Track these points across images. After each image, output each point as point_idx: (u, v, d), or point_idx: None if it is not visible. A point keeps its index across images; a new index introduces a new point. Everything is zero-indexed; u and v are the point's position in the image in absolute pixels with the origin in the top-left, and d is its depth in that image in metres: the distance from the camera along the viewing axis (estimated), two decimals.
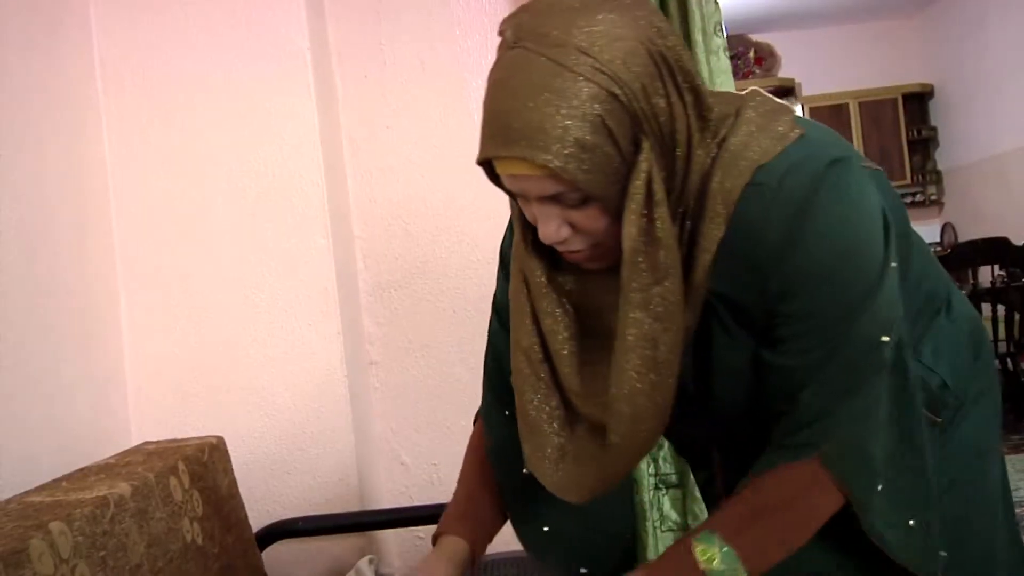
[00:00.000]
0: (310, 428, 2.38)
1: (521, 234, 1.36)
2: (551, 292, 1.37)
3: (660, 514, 2.52)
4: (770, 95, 1.38)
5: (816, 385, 1.30)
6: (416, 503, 2.62)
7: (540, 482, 1.40)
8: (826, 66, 8.65)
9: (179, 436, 2.17)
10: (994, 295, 6.44)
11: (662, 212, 1.23)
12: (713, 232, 1.28)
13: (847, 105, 9.14)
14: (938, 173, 9.40)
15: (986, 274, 6.63)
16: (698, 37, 2.45)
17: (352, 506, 2.38)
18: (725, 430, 1.48)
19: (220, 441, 2.15)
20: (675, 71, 1.21)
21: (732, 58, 2.51)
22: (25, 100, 2.00)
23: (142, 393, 2.35)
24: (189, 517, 1.86)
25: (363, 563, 1.97)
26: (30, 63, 2.03)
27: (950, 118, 9.15)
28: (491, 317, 1.61)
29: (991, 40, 8.10)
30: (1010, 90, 7.71)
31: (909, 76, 9.19)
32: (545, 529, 1.58)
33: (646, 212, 1.22)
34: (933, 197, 9.36)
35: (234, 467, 2.16)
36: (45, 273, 2.01)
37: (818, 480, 1.31)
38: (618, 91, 1.17)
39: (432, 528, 2.47)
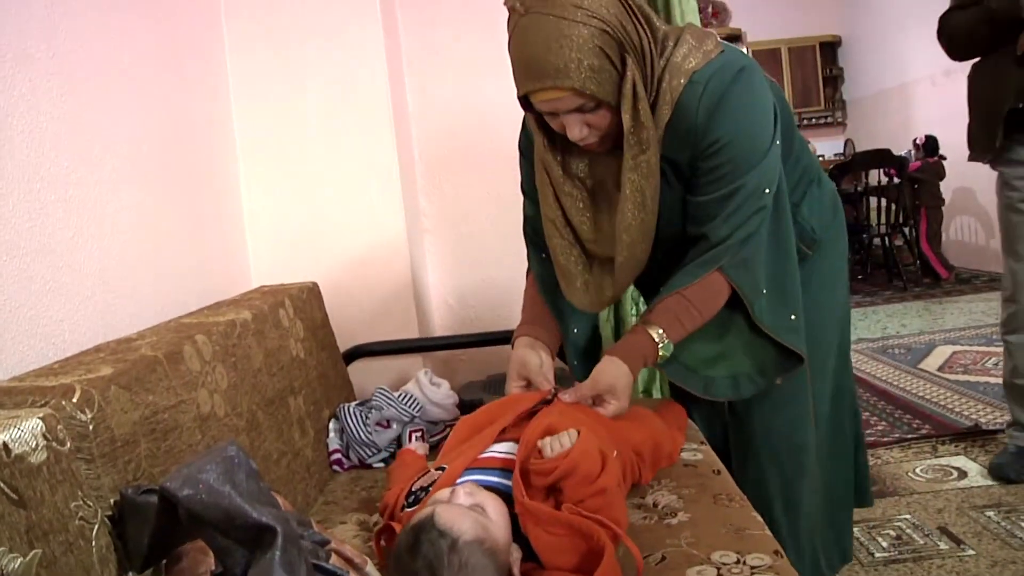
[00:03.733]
0: (381, 276, 2.36)
1: (541, 139, 1.49)
2: (566, 177, 1.51)
3: None
4: (701, 27, 1.54)
5: (720, 218, 1.44)
6: (459, 333, 2.62)
7: (573, 304, 1.59)
8: (764, 20, 8.51)
9: (285, 281, 2.16)
10: (879, 191, 6.56)
11: (644, 105, 1.36)
12: (663, 116, 1.41)
13: (779, 50, 9.12)
14: (843, 102, 9.36)
15: (874, 176, 6.61)
16: None
17: (412, 334, 2.38)
18: (663, 254, 1.55)
19: (315, 285, 2.13)
20: (635, 10, 1.35)
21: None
22: (166, 30, 1.93)
23: (258, 250, 2.33)
24: (294, 338, 1.85)
25: (421, 374, 1.97)
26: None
27: (853, 62, 9.09)
28: (524, 201, 1.72)
29: (881, 4, 7.99)
30: (894, 42, 7.62)
31: (824, 28, 9.11)
32: (575, 330, 1.70)
33: (634, 105, 1.35)
34: (839, 120, 9.34)
35: (326, 304, 2.15)
36: (184, 160, 1.97)
37: (720, 283, 1.47)
38: (607, 28, 1.30)
39: (472, 351, 2.51)
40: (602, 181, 1.50)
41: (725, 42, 1.47)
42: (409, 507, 1.29)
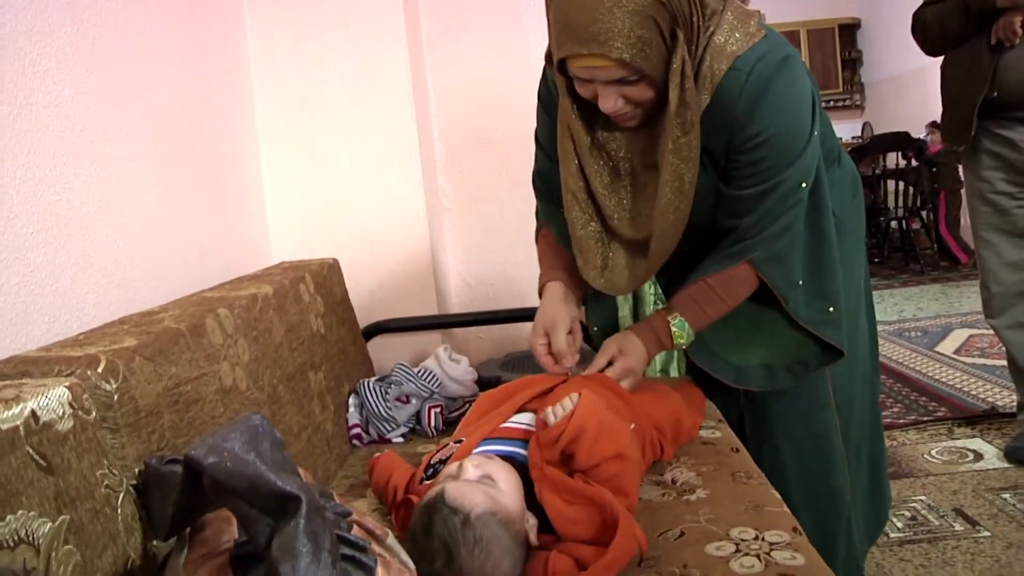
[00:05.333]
0: (401, 253, 2.35)
1: (569, 103, 1.38)
2: (593, 148, 1.42)
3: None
4: (741, 2, 1.42)
5: (755, 214, 1.39)
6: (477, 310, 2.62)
7: (587, 282, 1.50)
8: (784, 1, 8.41)
9: (305, 258, 2.15)
10: (896, 174, 6.51)
11: (690, 84, 1.27)
12: (702, 101, 1.32)
13: (798, 31, 8.98)
14: (862, 84, 9.26)
15: (892, 159, 6.54)
16: None
17: (431, 312, 2.37)
18: (688, 241, 1.50)
19: (335, 261, 2.13)
20: None
21: None
22: (188, 7, 1.92)
23: (279, 227, 2.32)
24: (314, 314, 1.85)
25: (440, 350, 1.96)
26: None
27: (871, 44, 8.98)
28: (536, 151, 1.62)
29: None
30: None
31: (844, 11, 8.99)
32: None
33: (681, 83, 1.26)
34: (858, 102, 9.25)
35: (345, 280, 2.14)
36: (205, 137, 1.97)
37: (747, 273, 1.44)
38: None
39: (490, 328, 2.51)
40: (630, 157, 1.42)
41: (765, 24, 1.38)
42: (428, 479, 1.29)
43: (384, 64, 2.30)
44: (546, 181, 1.59)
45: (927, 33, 2.53)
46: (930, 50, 2.57)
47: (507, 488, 1.14)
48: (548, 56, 1.34)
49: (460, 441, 1.34)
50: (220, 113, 2.06)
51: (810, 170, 1.40)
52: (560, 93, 1.38)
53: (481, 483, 1.12)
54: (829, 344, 1.50)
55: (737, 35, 1.32)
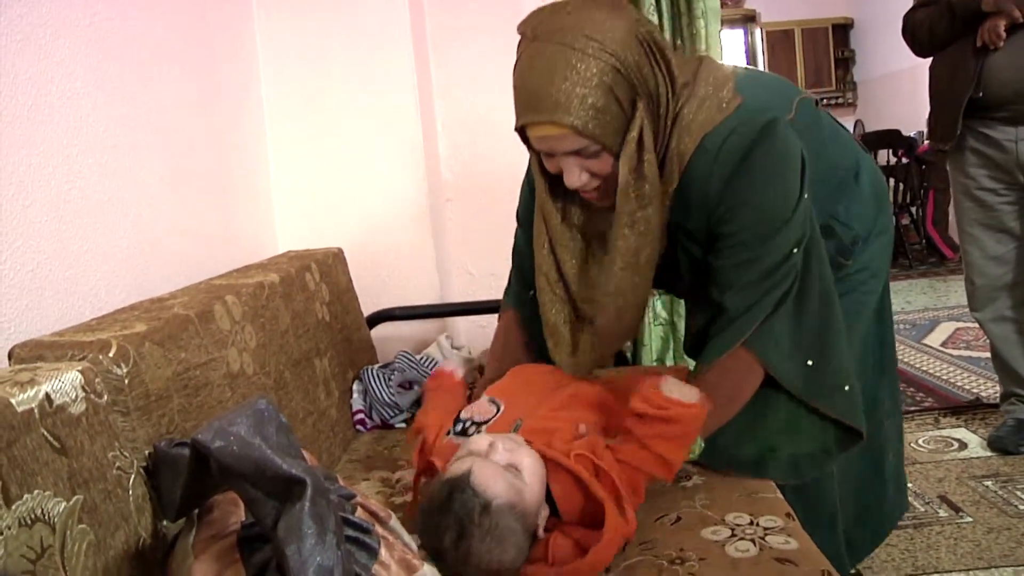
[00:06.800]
0: (405, 243, 2.35)
1: (541, 184, 1.34)
2: (565, 228, 1.36)
3: (653, 312, 2.50)
4: (719, 62, 1.34)
5: (737, 287, 1.26)
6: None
7: (559, 365, 1.41)
8: (779, 1, 8.40)
9: (311, 246, 2.15)
10: (888, 171, 6.47)
11: (650, 156, 1.20)
12: (670, 180, 1.26)
13: (793, 31, 8.88)
14: (854, 83, 9.19)
15: (883, 156, 6.51)
16: None
17: (433, 300, 2.37)
18: (689, 290, 1.43)
19: (340, 251, 2.13)
20: (655, 50, 1.19)
21: None
22: (198, 12, 1.92)
23: (285, 216, 2.32)
24: (320, 302, 1.85)
25: (442, 338, 1.97)
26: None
27: (864, 44, 8.91)
28: (516, 229, 1.58)
29: None
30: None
31: (837, 11, 8.89)
32: None
33: (638, 155, 1.19)
34: (850, 100, 9.19)
35: (350, 269, 2.14)
36: (213, 129, 1.97)
37: (747, 362, 1.28)
38: (619, 65, 1.15)
39: (490, 318, 2.49)
40: (601, 234, 1.33)
41: (745, 78, 1.30)
42: (456, 435, 1.27)
43: (388, 56, 2.29)
44: (521, 258, 1.54)
45: (916, 35, 2.56)
46: (919, 51, 2.60)
47: (531, 480, 1.12)
48: (520, 133, 1.28)
49: (497, 405, 1.30)
50: (228, 105, 2.06)
51: (801, 232, 1.27)
52: (535, 173, 1.35)
53: (508, 471, 1.11)
54: (850, 427, 1.34)
55: (708, 104, 1.25)
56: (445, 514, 1.05)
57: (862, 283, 1.49)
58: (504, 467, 1.11)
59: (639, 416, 1.18)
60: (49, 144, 1.30)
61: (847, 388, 1.32)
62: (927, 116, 2.63)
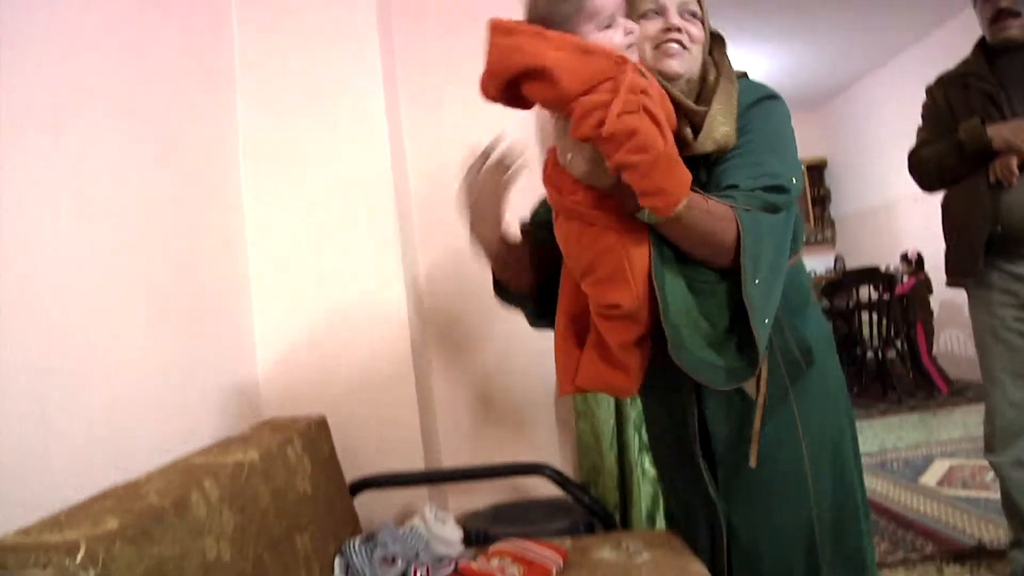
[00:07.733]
0: (388, 410, 2.32)
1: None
2: None
3: (642, 470, 2.44)
4: None
5: (747, 168, 1.40)
6: (468, 463, 2.51)
7: None
8: None
9: (295, 411, 2.13)
10: (870, 306, 6.56)
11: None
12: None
13: None
14: (832, 220, 9.43)
15: (864, 292, 6.60)
16: None
17: (418, 462, 2.32)
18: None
19: (323, 418, 2.10)
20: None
21: None
22: (180, 139, 1.97)
23: (269, 377, 2.30)
24: (301, 475, 1.81)
25: (426, 510, 1.92)
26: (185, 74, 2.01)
27: (838, 182, 9.22)
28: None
29: (863, 131, 8.24)
30: (877, 166, 7.81)
31: (812, 151, 9.22)
32: None
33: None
34: (829, 237, 9.39)
35: (333, 436, 2.11)
36: (195, 292, 1.98)
37: (729, 219, 1.34)
38: None
39: (475, 483, 2.43)
40: None
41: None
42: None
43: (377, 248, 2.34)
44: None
45: (924, 171, 2.52)
46: (928, 187, 2.56)
47: None
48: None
49: None
50: (209, 267, 2.08)
51: (797, 183, 1.41)
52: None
53: None
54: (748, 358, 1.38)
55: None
56: None
57: (819, 407, 1.57)
58: None
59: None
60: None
61: (766, 321, 1.35)
62: (944, 252, 2.55)
